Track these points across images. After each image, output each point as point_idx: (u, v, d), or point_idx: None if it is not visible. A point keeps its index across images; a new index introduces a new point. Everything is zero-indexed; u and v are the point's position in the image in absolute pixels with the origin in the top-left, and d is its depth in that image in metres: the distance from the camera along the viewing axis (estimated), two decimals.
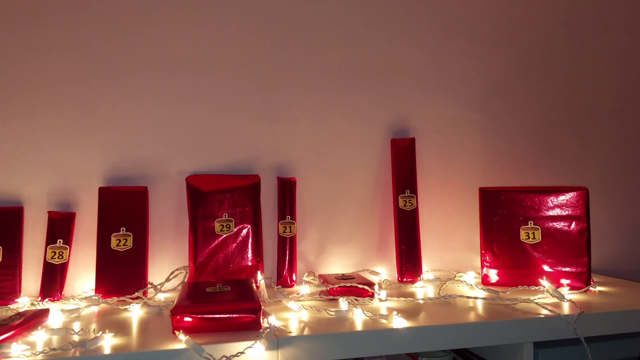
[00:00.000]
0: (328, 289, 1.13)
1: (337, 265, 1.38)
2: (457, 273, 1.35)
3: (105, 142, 1.24)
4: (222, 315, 0.89)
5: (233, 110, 1.32)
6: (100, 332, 0.85)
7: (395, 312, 0.95)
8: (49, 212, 1.17)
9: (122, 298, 1.11)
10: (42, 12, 1.19)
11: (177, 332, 0.85)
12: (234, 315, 0.89)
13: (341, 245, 1.38)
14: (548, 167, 1.50)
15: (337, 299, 1.09)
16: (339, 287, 1.13)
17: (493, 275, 1.27)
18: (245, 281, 1.09)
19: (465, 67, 1.46)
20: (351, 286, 1.13)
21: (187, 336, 0.82)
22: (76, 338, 0.87)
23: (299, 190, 1.33)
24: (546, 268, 1.23)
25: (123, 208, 1.20)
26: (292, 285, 1.28)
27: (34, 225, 1.18)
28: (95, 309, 1.08)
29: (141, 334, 0.90)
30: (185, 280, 1.22)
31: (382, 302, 1.10)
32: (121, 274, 1.16)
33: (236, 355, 0.80)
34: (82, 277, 1.20)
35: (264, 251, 1.30)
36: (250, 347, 0.81)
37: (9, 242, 1.13)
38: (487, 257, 1.28)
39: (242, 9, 1.32)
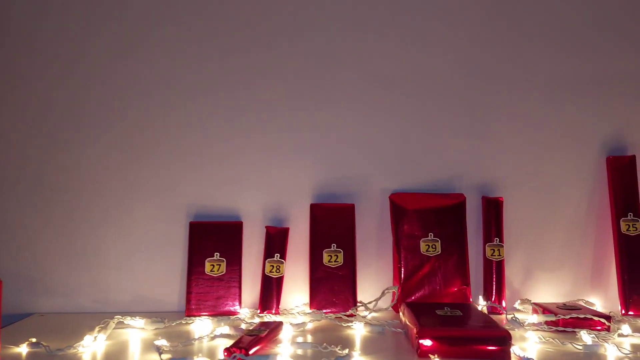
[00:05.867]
0: (557, 319, 1.04)
1: (544, 293, 1.27)
2: None
3: (314, 160, 1.26)
4: (469, 342, 0.84)
5: (436, 126, 1.28)
6: (348, 350, 0.84)
7: None
8: (266, 227, 1.21)
9: (338, 315, 1.11)
10: (264, 39, 1.26)
11: (431, 356, 0.81)
12: (483, 344, 0.83)
13: (550, 272, 1.28)
14: None
15: (569, 331, 1.00)
16: (572, 318, 1.03)
17: None
18: (469, 306, 1.04)
19: None
20: (585, 318, 1.02)
21: None
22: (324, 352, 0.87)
23: (505, 211, 1.25)
24: None
25: (332, 224, 1.21)
26: (502, 313, 1.20)
27: (251, 239, 1.22)
28: (312, 323, 1.09)
29: (383, 354, 0.88)
30: (392, 300, 1.20)
31: (624, 338, 0.98)
32: (333, 290, 1.17)
33: None
34: (294, 291, 1.22)
35: (470, 274, 1.24)
36: None
37: (231, 255, 1.19)
38: None
39: (445, 22, 1.28)
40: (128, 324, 1.03)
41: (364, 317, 1.14)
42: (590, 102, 1.29)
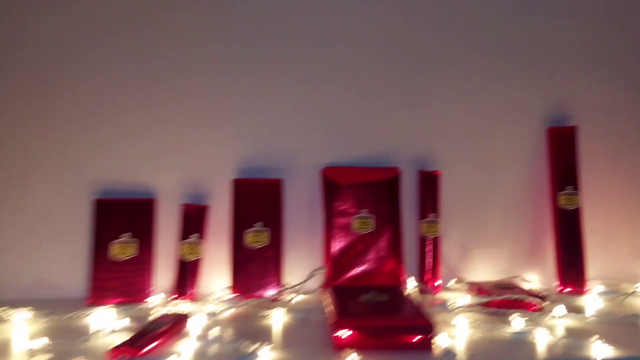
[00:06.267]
0: (489, 300, 0.98)
1: (482, 270, 1.22)
2: (632, 286, 1.14)
3: (238, 132, 1.15)
4: (391, 332, 0.76)
5: (371, 95, 1.19)
6: (258, 345, 0.75)
7: (597, 337, 0.79)
8: (183, 204, 1.10)
9: (260, 300, 1.02)
10: (170, 3, 1.12)
11: (345, 351, 0.73)
12: (404, 334, 0.76)
13: (488, 249, 1.22)
14: None
15: (501, 313, 0.94)
16: (504, 298, 0.97)
17: None
18: (397, 288, 0.96)
19: (637, 43, 1.24)
20: (517, 298, 0.97)
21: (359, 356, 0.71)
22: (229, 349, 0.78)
23: (442, 185, 1.18)
24: None
25: (257, 201, 1.11)
26: (436, 293, 1.14)
27: (167, 219, 1.11)
28: (232, 310, 0.99)
29: (298, 347, 0.79)
30: (322, 280, 1.12)
31: (558, 320, 0.93)
32: (256, 273, 1.08)
33: None
34: (215, 274, 1.12)
35: (404, 252, 1.17)
36: None
37: (142, 236, 1.08)
38: None
39: None
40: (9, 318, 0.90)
41: (290, 301, 1.05)
42: (533, 71, 1.23)
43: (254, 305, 1.00)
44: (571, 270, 1.15)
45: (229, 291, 1.07)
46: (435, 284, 1.14)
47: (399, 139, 1.20)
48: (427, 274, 1.15)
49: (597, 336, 0.80)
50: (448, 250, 1.20)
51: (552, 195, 1.19)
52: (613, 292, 1.08)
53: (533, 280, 1.20)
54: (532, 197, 1.23)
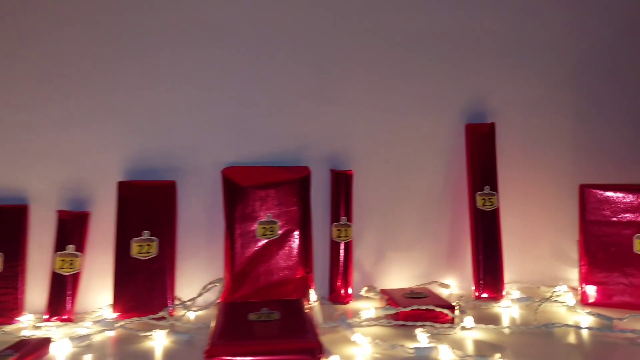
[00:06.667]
0: (397, 312, 0.91)
1: (398, 275, 1.15)
2: (551, 289, 1.10)
3: (125, 129, 1.03)
4: (272, 357, 0.67)
5: (277, 88, 1.09)
6: None
7: (499, 357, 0.72)
8: (58, 211, 0.97)
9: (143, 319, 0.91)
10: None
11: None
12: (289, 357, 0.67)
13: (404, 252, 1.15)
14: None
15: (410, 326, 0.87)
16: (412, 310, 0.89)
17: (595, 292, 1.02)
18: (296, 303, 0.87)
19: (556, 37, 1.20)
20: (426, 309, 0.90)
21: None
22: None
23: (355, 186, 1.10)
24: None
25: (146, 206, 0.99)
26: (348, 302, 1.06)
27: (41, 227, 0.98)
28: (112, 332, 0.87)
29: None
30: (221, 293, 1.01)
31: (467, 331, 0.87)
32: (144, 288, 0.96)
33: None
34: (97, 290, 1.00)
35: (313, 260, 1.08)
36: None
37: (11, 248, 0.94)
38: (589, 270, 1.03)
39: None
40: None
41: (179, 319, 0.94)
42: (449, 65, 1.16)
43: (137, 325, 0.88)
44: (488, 274, 1.09)
45: (110, 309, 0.95)
46: (347, 292, 1.06)
47: (309, 136, 1.11)
48: (338, 282, 1.06)
49: (500, 355, 0.73)
50: (361, 255, 1.13)
51: (469, 195, 1.13)
52: (529, 298, 1.02)
53: (450, 285, 1.14)
54: (450, 197, 1.16)
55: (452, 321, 0.90)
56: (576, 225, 1.07)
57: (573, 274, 1.17)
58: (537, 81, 1.19)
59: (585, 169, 1.19)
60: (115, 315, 0.93)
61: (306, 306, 0.86)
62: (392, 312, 0.91)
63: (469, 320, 0.87)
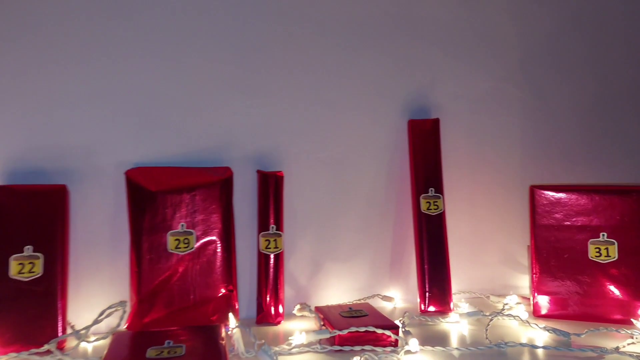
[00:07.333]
0: (333, 336, 0.78)
1: (337, 289, 1.02)
2: (501, 299, 1.00)
3: (4, 121, 0.85)
4: None
5: (196, 78, 0.95)
6: None
7: None
8: None
9: (23, 354, 0.73)
10: None
11: None
12: None
13: (342, 263, 1.03)
14: (607, 155, 1.16)
15: (349, 351, 0.74)
16: (350, 332, 0.77)
17: (548, 303, 0.94)
18: (211, 331, 0.72)
19: (503, 27, 1.11)
20: (366, 331, 0.77)
21: None
22: None
23: (286, 189, 0.97)
24: (621, 296, 0.90)
25: (30, 216, 0.81)
26: (279, 322, 0.92)
27: None
28: None
29: None
30: (125, 319, 0.85)
31: (411, 355, 0.75)
32: (26, 315, 0.78)
33: None
34: None
35: (238, 275, 0.94)
36: None
37: None
38: (540, 279, 0.94)
39: None
40: None
41: (69, 353, 0.77)
42: (390, 55, 1.05)
43: None
44: (434, 285, 0.98)
45: None
46: (277, 311, 0.92)
47: (232, 132, 0.97)
48: (267, 300, 0.92)
49: None
50: (294, 268, 0.99)
51: (413, 198, 1.02)
52: (479, 312, 0.92)
53: (395, 298, 1.03)
54: (393, 200, 1.05)
55: (395, 344, 0.78)
56: (527, 229, 0.99)
57: (524, 281, 1.09)
58: (483, 74, 1.10)
59: (535, 169, 1.11)
60: None
61: (223, 335, 0.71)
62: (327, 336, 0.78)
63: (413, 343, 0.76)
